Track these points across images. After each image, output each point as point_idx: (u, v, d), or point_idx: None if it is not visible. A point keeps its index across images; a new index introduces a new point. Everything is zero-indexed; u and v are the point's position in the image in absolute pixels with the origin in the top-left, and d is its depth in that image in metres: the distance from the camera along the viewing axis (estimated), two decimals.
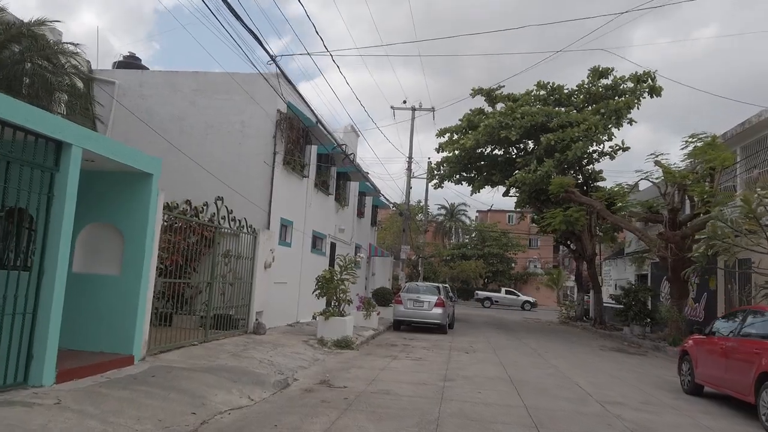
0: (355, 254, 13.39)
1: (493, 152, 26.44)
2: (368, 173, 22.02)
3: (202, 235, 11.02)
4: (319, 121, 15.00)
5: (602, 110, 22.19)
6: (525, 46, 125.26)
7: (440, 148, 26.86)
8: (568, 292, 56.71)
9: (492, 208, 75.24)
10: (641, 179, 18.14)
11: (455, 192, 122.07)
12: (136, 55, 16.00)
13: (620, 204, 18.45)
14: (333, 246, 20.18)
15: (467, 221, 67.75)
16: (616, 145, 21.95)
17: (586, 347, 17.33)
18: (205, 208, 9.95)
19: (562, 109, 23.02)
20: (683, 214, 16.93)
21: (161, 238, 10.22)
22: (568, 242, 31.61)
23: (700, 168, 15.29)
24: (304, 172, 15.79)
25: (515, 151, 26.11)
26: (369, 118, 53.24)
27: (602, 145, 22.44)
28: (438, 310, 17.70)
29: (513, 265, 57.63)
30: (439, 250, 50.31)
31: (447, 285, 20.36)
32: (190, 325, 11.25)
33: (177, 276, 9.96)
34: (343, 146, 14.82)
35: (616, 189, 19.23)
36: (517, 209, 31.37)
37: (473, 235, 62.73)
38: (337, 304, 13.05)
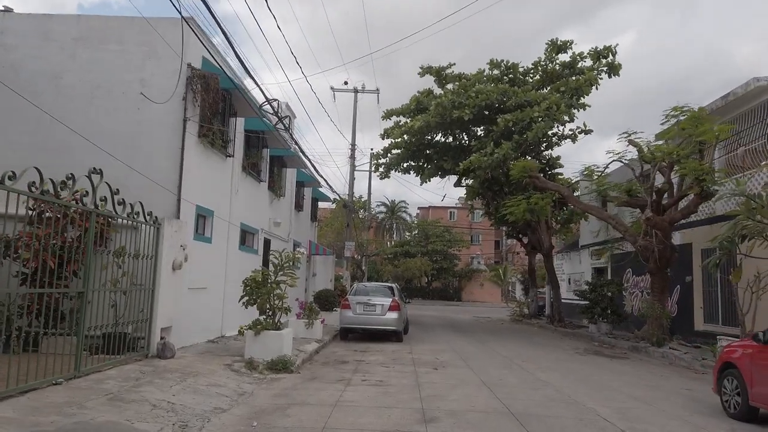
0: (294, 250, 10.47)
1: (445, 139, 24.19)
2: (306, 163, 19.12)
3: (85, 227, 7.93)
4: (242, 86, 12.00)
5: (562, 88, 20.33)
6: (459, 53, 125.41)
7: (385, 134, 24.37)
8: (510, 288, 55.78)
9: (433, 205, 73.98)
10: (613, 160, 16.26)
11: (395, 188, 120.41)
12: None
13: (596, 188, 16.48)
14: (267, 243, 17.16)
15: (408, 218, 65.90)
16: (578, 127, 20.19)
17: (559, 350, 15.27)
18: (69, 183, 6.67)
19: (519, 89, 20.98)
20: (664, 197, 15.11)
21: (24, 232, 7.19)
22: (520, 235, 29.91)
23: (687, 143, 13.45)
24: (228, 150, 12.74)
25: (466, 137, 23.96)
26: (311, 95, 49.99)
27: (562, 127, 20.60)
28: (393, 315, 15.09)
29: (457, 262, 56.08)
30: (382, 247, 47.82)
31: (396, 285, 17.68)
32: (67, 349, 8.13)
33: (49, 283, 6.90)
34: (274, 102, 11.85)
35: (585, 172, 17.29)
36: (468, 201, 29.27)
37: (414, 233, 60.83)
38: (271, 313, 10.16)
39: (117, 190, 7.78)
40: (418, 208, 74.49)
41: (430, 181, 25.74)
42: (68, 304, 8.53)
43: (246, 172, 14.42)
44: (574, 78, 20.62)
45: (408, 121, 23.15)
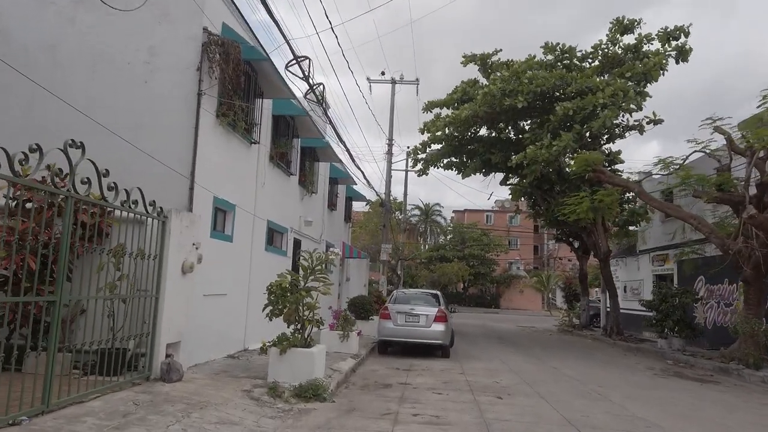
0: (327, 251, 8.69)
1: (490, 133, 22.14)
2: (341, 157, 17.41)
3: (79, 220, 6.37)
4: (268, 59, 10.31)
5: (627, 73, 18.08)
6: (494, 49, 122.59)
7: (425, 129, 22.49)
8: (551, 296, 53.04)
9: (468, 208, 71.62)
10: (695, 151, 14.00)
11: (429, 191, 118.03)
12: None
13: (681, 181, 14.24)
14: (297, 244, 15.46)
15: (443, 222, 63.79)
16: (645, 117, 17.88)
17: (631, 370, 13.13)
18: (40, 159, 4.99)
19: (578, 74, 18.80)
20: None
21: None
22: (570, 239, 27.59)
23: None
24: (253, 135, 11.07)
25: (513, 131, 21.85)
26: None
27: (627, 117, 18.31)
28: (439, 327, 13.16)
29: (494, 267, 53.67)
30: (417, 251, 45.87)
31: (440, 292, 15.72)
32: (56, 369, 6.56)
33: (30, 289, 5.33)
34: (303, 61, 9.97)
35: (658, 164, 15.05)
36: (513, 201, 27.11)
37: (448, 237, 58.66)
38: (300, 326, 8.38)
39: (106, 170, 6.10)
40: (453, 211, 72.36)
41: (472, 175, 23.69)
42: (60, 313, 6.92)
43: (274, 163, 12.73)
44: (640, 62, 18.34)
45: (450, 112, 21.21)
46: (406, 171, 33.48)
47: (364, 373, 10.65)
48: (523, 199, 27.72)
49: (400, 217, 35.54)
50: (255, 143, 11.23)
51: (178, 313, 7.94)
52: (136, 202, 6.85)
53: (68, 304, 7.70)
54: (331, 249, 8.72)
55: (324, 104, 10.19)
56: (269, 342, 8.23)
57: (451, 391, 9.00)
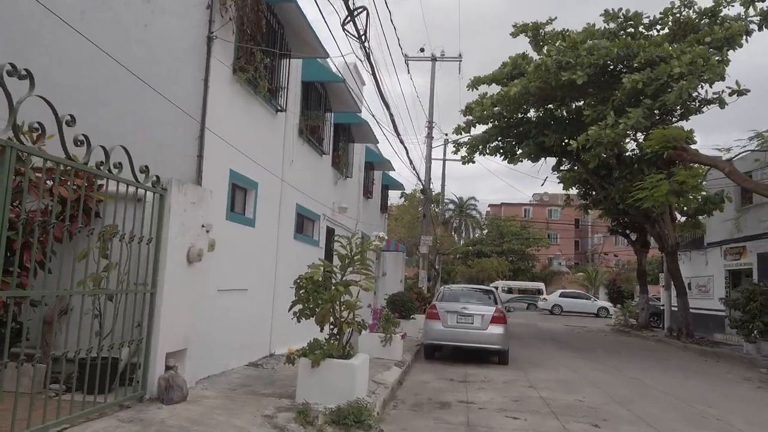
0: (372, 238, 6.84)
1: (539, 113, 19.96)
2: (377, 136, 15.58)
3: (56, 194, 4.78)
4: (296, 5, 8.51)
5: (707, 38, 15.71)
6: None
7: (467, 110, 20.45)
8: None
9: (505, 202, 69.08)
10: None
11: (461, 185, 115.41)
12: None
13: None
14: (330, 233, 13.70)
15: (477, 216, 61.48)
16: (729, 87, 15.45)
17: (726, 382, 11.07)
18: None
19: (646, 41, 16.50)
20: None
21: None
22: (627, 231, 25.19)
23: None
24: (279, 100, 9.31)
25: (569, 111, 19.60)
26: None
27: (706, 88, 15.90)
28: (497, 329, 11.22)
29: (534, 262, 51.16)
30: (455, 245, 43.77)
31: (495, 289, 13.70)
32: (28, 385, 5.09)
33: None
34: (358, 12, 7.95)
35: (753, 138, 12.75)
36: (565, 190, 24.83)
37: (484, 232, 56.36)
38: (337, 331, 6.58)
39: (71, 117, 4.38)
40: (489, 205, 69.95)
41: (522, 161, 21.53)
42: (30, 313, 5.32)
43: (304, 138, 10.97)
44: (720, 27, 15.94)
45: (500, 90, 19.14)
46: (444, 160, 31.49)
47: (412, 385, 8.80)
48: (573, 188, 25.43)
49: (437, 210, 33.54)
50: (281, 111, 9.47)
51: (183, 314, 6.23)
52: (119, 166, 5.12)
53: (41, 301, 6.11)
54: (376, 233, 6.88)
55: (366, 37, 8.31)
56: (298, 350, 6.44)
57: (528, 414, 7.07)
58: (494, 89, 19.73)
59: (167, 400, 5.68)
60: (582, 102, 18.86)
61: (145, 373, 5.74)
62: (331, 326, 6.66)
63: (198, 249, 6.35)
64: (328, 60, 12.14)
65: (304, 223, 11.75)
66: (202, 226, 6.59)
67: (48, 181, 5.94)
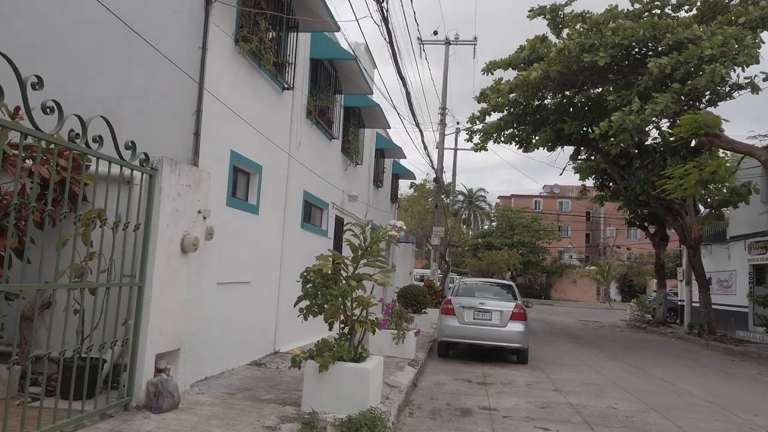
0: (387, 228, 6.11)
1: (556, 98, 19.12)
2: (388, 121, 14.79)
3: (36, 174, 4.12)
4: None
5: (740, 18, 14.80)
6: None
7: (482, 97, 19.64)
8: (608, 288, 49.35)
9: (515, 193, 68.12)
10: None
11: (469, 177, 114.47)
12: None
13: None
14: (339, 223, 13.02)
15: (487, 208, 60.62)
16: (763, 72, 14.52)
17: (765, 384, 10.21)
18: None
19: (674, 21, 15.59)
20: None
21: None
22: (646, 223, 24.36)
23: None
24: (285, 77, 8.58)
25: (589, 97, 18.72)
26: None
27: (738, 72, 14.98)
28: (517, 327, 10.51)
29: (545, 255, 50.30)
30: (465, 237, 42.96)
31: (513, 283, 12.95)
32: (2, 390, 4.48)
33: None
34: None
35: None
36: (581, 180, 24.02)
37: (493, 224, 55.51)
38: (348, 330, 5.88)
39: (38, 79, 3.68)
40: (499, 196, 69.04)
41: (537, 149, 20.76)
42: (6, 308, 4.68)
43: (312, 120, 10.24)
44: (753, 6, 15.02)
45: (516, 74, 18.31)
46: (455, 149, 30.69)
47: (428, 388, 8.10)
48: (590, 178, 24.58)
49: (446, 200, 32.72)
50: (287, 89, 8.73)
51: (176, 309, 5.55)
52: (99, 140, 4.42)
53: (17, 294, 5.46)
54: (392, 222, 6.16)
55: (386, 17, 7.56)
56: (304, 352, 5.75)
57: (559, 424, 6.36)
58: (510, 75, 18.94)
59: (156, 408, 5.01)
60: (603, 88, 18.01)
61: (131, 377, 5.07)
62: (342, 325, 5.96)
63: (193, 237, 5.66)
64: (339, 38, 11.40)
65: (311, 211, 11.05)
66: (199, 212, 5.90)
67: (27, 161, 5.32)
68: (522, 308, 10.72)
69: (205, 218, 6.02)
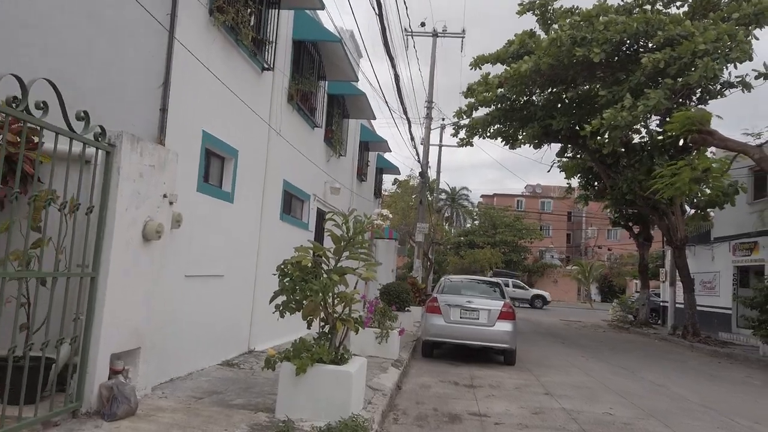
0: (373, 216, 5.56)
1: (542, 93, 18.74)
2: (373, 111, 14.23)
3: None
4: None
5: (735, 14, 14.56)
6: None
7: (470, 92, 19.25)
8: (588, 288, 49.48)
9: (498, 192, 68.08)
10: None
11: (452, 175, 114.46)
12: None
13: None
14: (321, 216, 12.46)
15: (470, 206, 60.38)
16: (755, 71, 14.24)
17: (761, 390, 9.91)
18: None
19: (666, 17, 15.31)
20: None
21: None
22: (630, 223, 24.20)
23: None
24: (265, 57, 7.99)
25: (577, 92, 18.38)
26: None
27: (730, 70, 14.71)
28: (505, 326, 10.07)
29: (527, 255, 50.21)
30: (448, 236, 42.64)
31: (501, 281, 12.50)
32: None
33: None
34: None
35: None
36: (567, 179, 23.78)
37: (475, 222, 55.30)
38: (329, 329, 5.34)
39: None
40: (482, 195, 68.89)
41: (522, 146, 20.47)
42: None
43: (294, 105, 9.66)
44: (747, 2, 14.79)
45: (505, 69, 17.92)
46: (440, 146, 30.29)
47: (413, 391, 7.60)
48: (575, 177, 24.34)
49: (430, 197, 32.30)
50: (267, 69, 8.15)
51: (135, 304, 4.96)
52: (42, 108, 3.81)
53: None
54: (378, 211, 5.63)
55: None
56: (279, 353, 5.19)
57: (555, 431, 5.90)
58: (498, 70, 18.52)
59: (109, 416, 4.42)
60: (593, 84, 17.68)
61: (81, 379, 4.47)
62: (322, 323, 5.42)
63: (157, 224, 5.06)
64: (324, 21, 10.83)
65: (292, 202, 10.48)
66: (164, 196, 5.30)
67: None
68: (510, 307, 10.28)
69: (171, 203, 5.43)
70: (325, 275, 5.33)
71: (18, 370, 3.87)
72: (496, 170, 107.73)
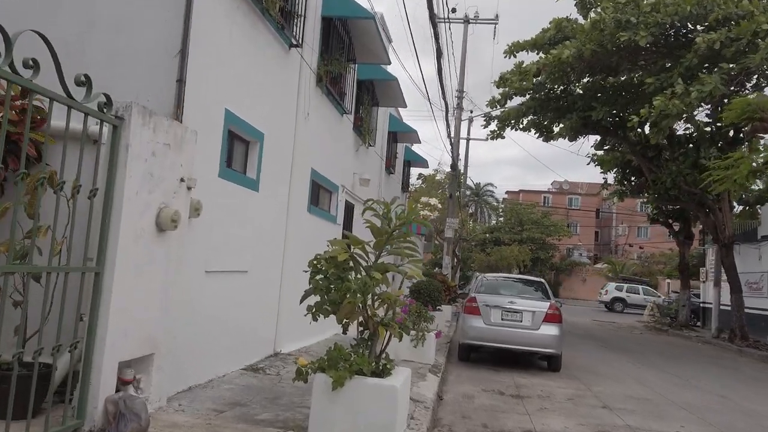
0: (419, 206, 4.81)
1: (592, 81, 17.64)
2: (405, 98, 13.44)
3: None
4: None
5: None
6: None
7: (502, 81, 18.36)
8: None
9: (524, 189, 66.72)
10: None
11: (476, 171, 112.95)
12: None
13: None
14: (349, 210, 11.77)
15: (495, 203, 59.21)
16: None
17: None
18: None
19: None
20: None
21: None
22: (670, 220, 23.03)
23: None
24: (293, 31, 7.28)
25: (616, 83, 17.33)
26: None
27: None
28: (551, 330, 9.25)
29: (554, 252, 48.90)
30: (474, 232, 41.62)
31: (544, 280, 11.58)
32: None
33: None
34: None
35: None
36: (603, 172, 22.73)
37: (500, 219, 54.11)
38: (369, 335, 4.61)
39: None
40: (507, 191, 67.59)
41: (558, 139, 19.54)
42: None
43: (323, 88, 8.94)
44: None
45: (540, 56, 16.99)
46: (468, 139, 29.39)
47: (456, 402, 6.84)
48: (611, 172, 23.25)
49: (458, 192, 31.38)
50: (295, 46, 7.44)
51: (148, 303, 4.29)
52: (33, 66, 3.13)
53: None
54: (424, 200, 4.87)
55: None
56: (312, 362, 4.48)
57: None
58: (532, 58, 17.58)
59: None
60: (635, 72, 16.63)
61: (83, 392, 3.82)
62: (360, 327, 4.70)
63: (173, 212, 4.39)
64: None
65: (320, 193, 9.78)
66: (181, 180, 4.63)
67: None
68: (557, 309, 9.45)
69: (189, 189, 4.76)
70: (363, 272, 4.60)
71: (5, 379, 3.23)
72: (518, 167, 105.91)
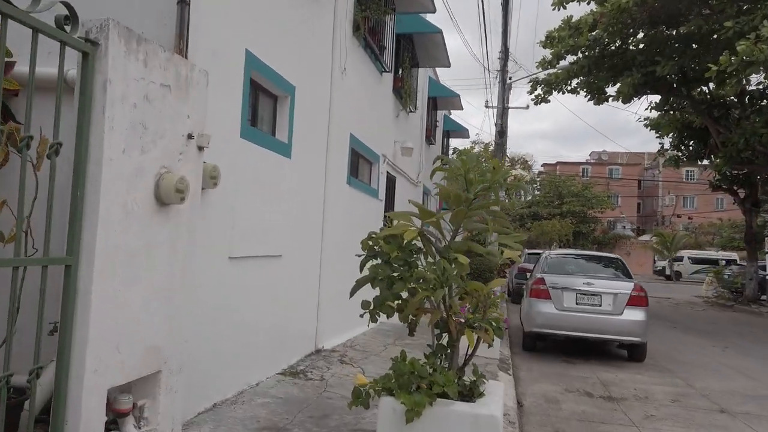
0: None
1: (655, 32, 15.74)
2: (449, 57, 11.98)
3: None
4: None
5: None
6: None
7: (549, 41, 16.84)
8: (656, 259, 45.67)
9: (561, 160, 64.27)
10: None
11: (513, 137, 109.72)
12: None
13: None
14: (391, 182, 10.51)
15: (532, 176, 57.11)
16: None
17: None
18: None
19: None
20: None
21: None
22: (734, 186, 21.09)
23: None
24: None
25: (682, 32, 15.42)
26: None
27: None
28: (636, 315, 7.88)
29: (596, 226, 46.80)
30: (512, 206, 39.85)
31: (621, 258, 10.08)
32: None
33: None
34: None
35: None
36: (663, 136, 20.91)
37: (536, 193, 52.10)
38: (448, 341, 3.37)
39: None
40: (543, 164, 65.22)
41: (607, 102, 17.88)
42: None
43: (360, 39, 7.62)
44: None
45: (595, 8, 15.30)
46: (506, 108, 27.57)
47: (539, 408, 5.59)
48: (667, 137, 21.36)
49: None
50: None
51: (147, 304, 3.12)
52: None
53: None
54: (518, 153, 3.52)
55: None
56: (374, 381, 3.26)
57: None
58: (581, 13, 15.86)
59: None
60: (705, 19, 14.75)
61: (56, 423, 2.68)
62: (436, 329, 3.46)
63: (177, 179, 3.17)
64: None
65: (359, 163, 8.53)
66: (189, 136, 3.41)
67: None
68: (642, 290, 8.07)
69: (201, 149, 3.54)
70: (441, 258, 3.35)
71: None
72: (551, 140, 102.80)
